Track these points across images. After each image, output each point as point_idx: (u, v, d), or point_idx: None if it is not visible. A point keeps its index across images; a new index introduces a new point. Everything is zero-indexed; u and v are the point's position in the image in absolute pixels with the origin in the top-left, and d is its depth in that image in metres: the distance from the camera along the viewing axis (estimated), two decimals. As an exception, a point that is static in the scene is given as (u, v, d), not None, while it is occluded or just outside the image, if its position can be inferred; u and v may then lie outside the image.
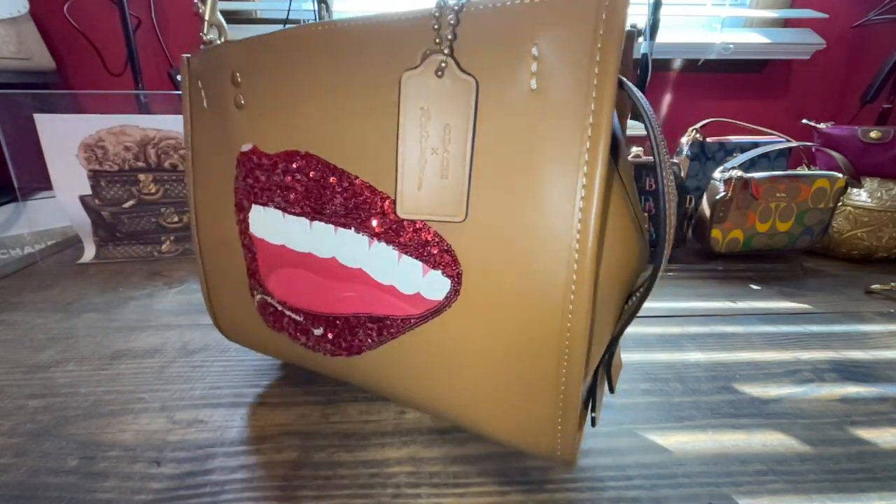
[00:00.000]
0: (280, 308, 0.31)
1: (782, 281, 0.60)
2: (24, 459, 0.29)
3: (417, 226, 0.24)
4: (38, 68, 1.02)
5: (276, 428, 0.32)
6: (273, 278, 0.31)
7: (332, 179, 0.26)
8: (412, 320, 0.25)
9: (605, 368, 0.27)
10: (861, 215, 0.64)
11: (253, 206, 0.30)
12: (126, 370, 0.39)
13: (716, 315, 0.50)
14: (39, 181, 0.60)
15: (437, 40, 0.21)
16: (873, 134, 0.76)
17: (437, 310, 0.24)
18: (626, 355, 0.42)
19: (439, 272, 0.24)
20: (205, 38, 0.30)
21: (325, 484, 0.28)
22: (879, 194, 0.65)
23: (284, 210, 0.29)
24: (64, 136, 0.59)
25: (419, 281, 0.24)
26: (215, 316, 0.37)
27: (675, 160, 0.69)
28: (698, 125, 0.79)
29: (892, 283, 0.56)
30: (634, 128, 0.79)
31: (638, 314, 0.50)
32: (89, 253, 0.64)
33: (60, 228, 0.74)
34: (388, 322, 0.26)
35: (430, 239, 0.24)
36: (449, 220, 0.23)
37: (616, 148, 0.22)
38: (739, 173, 0.60)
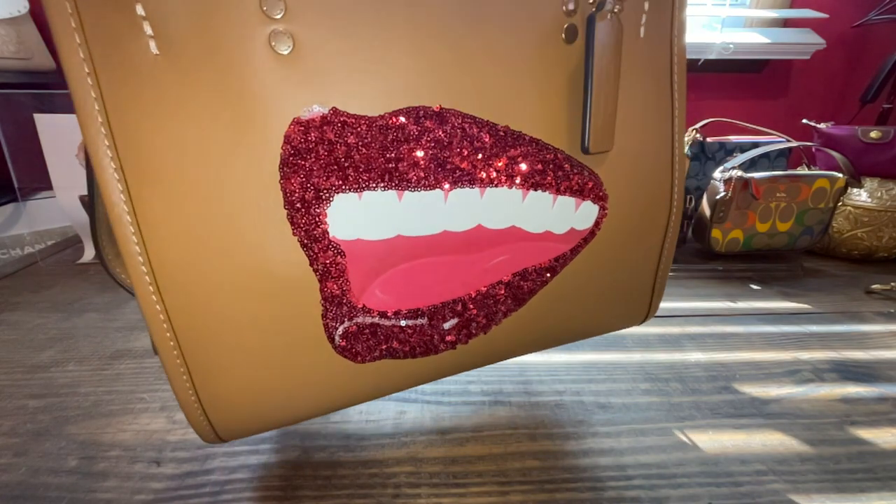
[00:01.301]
0: (390, 322, 0.25)
1: (782, 281, 0.60)
2: (24, 459, 0.29)
3: (576, 167, 0.26)
4: (38, 68, 1.01)
5: (276, 428, 0.32)
6: (377, 288, 0.24)
7: (485, 137, 0.23)
8: (563, 256, 0.28)
9: None
10: (861, 215, 0.64)
11: (336, 197, 0.21)
12: (126, 370, 0.39)
13: (716, 315, 0.50)
14: (39, 181, 0.60)
15: None
16: (873, 134, 0.76)
17: (589, 235, 0.28)
18: (627, 355, 0.42)
19: (589, 201, 0.27)
20: None
21: (325, 484, 0.28)
22: (879, 194, 0.65)
23: (404, 187, 0.22)
24: (64, 136, 0.59)
25: (572, 216, 0.27)
26: (207, 413, 0.23)
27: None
28: (698, 125, 0.79)
29: (893, 283, 0.56)
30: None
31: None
32: (89, 253, 0.64)
33: (60, 228, 0.74)
34: (541, 271, 0.27)
35: (584, 174, 0.26)
36: (605, 151, 0.26)
37: None
38: (739, 173, 0.60)
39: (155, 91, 0.18)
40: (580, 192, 0.26)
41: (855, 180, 0.63)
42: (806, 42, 1.08)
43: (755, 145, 0.76)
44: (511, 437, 0.31)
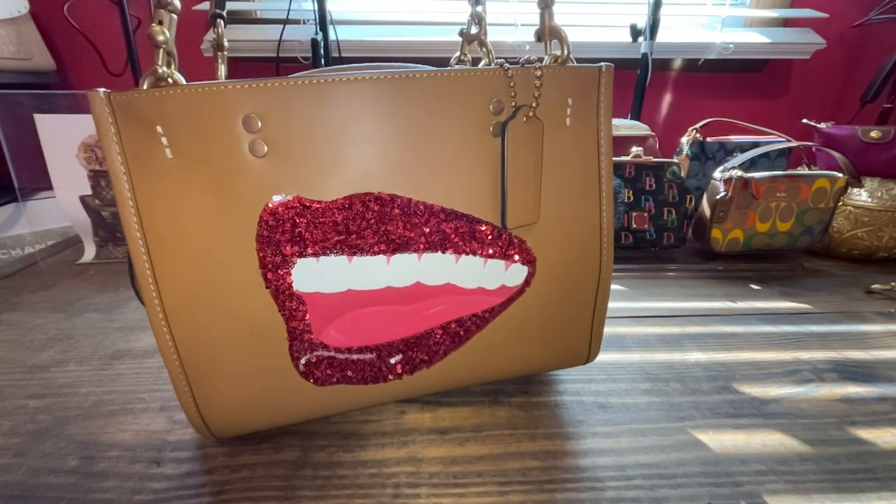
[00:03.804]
0: (344, 356, 0.30)
1: (782, 281, 0.60)
2: (24, 459, 0.29)
3: (504, 235, 0.30)
4: (38, 68, 1.02)
5: (276, 428, 0.32)
6: (332, 329, 0.29)
7: (417, 212, 0.28)
8: (496, 308, 0.32)
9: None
10: (861, 215, 0.64)
11: (298, 261, 0.27)
12: (126, 370, 0.39)
13: (716, 315, 0.50)
14: (39, 181, 0.60)
15: (513, 94, 0.28)
16: (873, 134, 0.76)
17: (520, 291, 0.32)
18: (626, 355, 0.42)
19: (519, 263, 0.31)
20: (160, 70, 0.25)
21: (325, 484, 0.28)
22: (880, 194, 0.65)
23: (353, 254, 0.28)
24: (64, 136, 0.59)
25: (502, 275, 0.31)
26: (203, 415, 0.29)
27: (675, 160, 0.69)
28: (698, 125, 0.79)
29: (893, 283, 0.56)
30: (634, 128, 0.79)
31: (638, 314, 0.50)
32: (89, 253, 0.64)
33: (60, 228, 0.74)
34: (476, 318, 0.32)
35: (512, 241, 0.31)
36: (531, 223, 0.30)
37: None
38: (739, 173, 0.60)
39: (169, 183, 0.25)
40: (509, 256, 0.31)
41: (855, 180, 0.63)
42: (806, 42, 1.08)
43: (755, 145, 0.76)
44: (511, 437, 0.31)
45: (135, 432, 0.32)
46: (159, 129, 0.24)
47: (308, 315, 0.28)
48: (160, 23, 0.25)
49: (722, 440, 0.31)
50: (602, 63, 0.30)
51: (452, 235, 0.29)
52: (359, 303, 0.29)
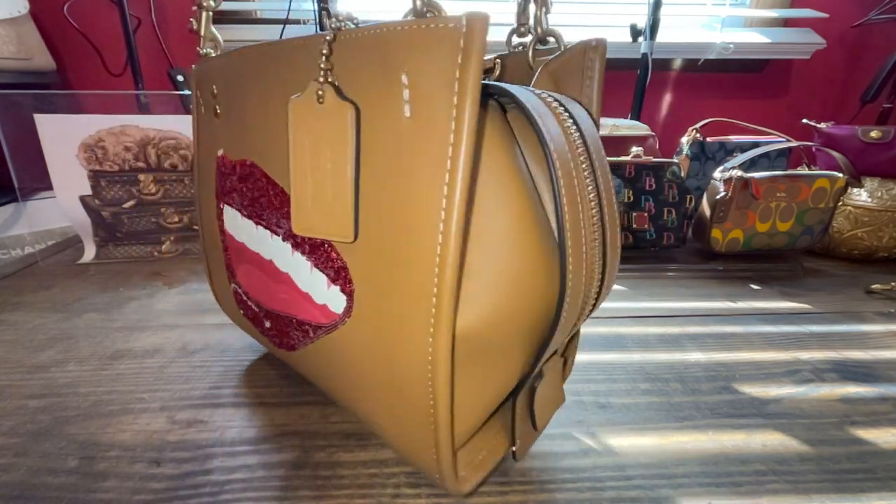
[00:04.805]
0: (245, 298, 0.35)
1: (782, 281, 0.60)
2: (24, 459, 0.29)
3: (322, 241, 0.24)
4: (38, 68, 1.02)
5: (276, 428, 0.32)
6: (239, 270, 0.34)
7: (268, 188, 0.28)
8: (322, 329, 0.26)
9: (527, 404, 0.26)
10: (861, 215, 0.64)
11: (224, 205, 0.33)
12: (126, 370, 0.39)
13: (716, 315, 0.50)
14: (39, 181, 0.60)
15: (323, 65, 0.21)
16: (873, 133, 0.76)
17: (338, 322, 0.25)
18: (626, 355, 0.42)
19: (338, 288, 0.24)
20: (202, 51, 0.33)
21: (325, 484, 0.28)
22: (880, 194, 0.65)
23: (241, 213, 0.31)
24: (64, 136, 0.59)
25: (325, 293, 0.25)
26: (216, 295, 0.41)
27: (675, 160, 0.69)
28: (698, 125, 0.79)
29: (893, 283, 0.56)
30: (634, 128, 0.79)
31: (638, 314, 0.50)
32: (89, 253, 0.64)
33: (60, 228, 0.74)
34: (307, 327, 0.28)
35: (332, 255, 0.24)
36: (341, 240, 0.23)
37: (516, 178, 0.21)
38: (739, 173, 0.60)
39: (203, 129, 0.36)
40: (328, 274, 0.25)
41: (855, 180, 0.63)
42: (806, 42, 1.08)
43: (755, 145, 0.76)
44: (511, 437, 0.31)
45: (135, 432, 0.32)
46: (197, 92, 0.35)
47: (228, 250, 0.35)
48: (196, 19, 0.33)
49: (722, 440, 0.31)
50: (464, 15, 0.17)
51: (280, 222, 0.27)
52: (248, 257, 0.32)
